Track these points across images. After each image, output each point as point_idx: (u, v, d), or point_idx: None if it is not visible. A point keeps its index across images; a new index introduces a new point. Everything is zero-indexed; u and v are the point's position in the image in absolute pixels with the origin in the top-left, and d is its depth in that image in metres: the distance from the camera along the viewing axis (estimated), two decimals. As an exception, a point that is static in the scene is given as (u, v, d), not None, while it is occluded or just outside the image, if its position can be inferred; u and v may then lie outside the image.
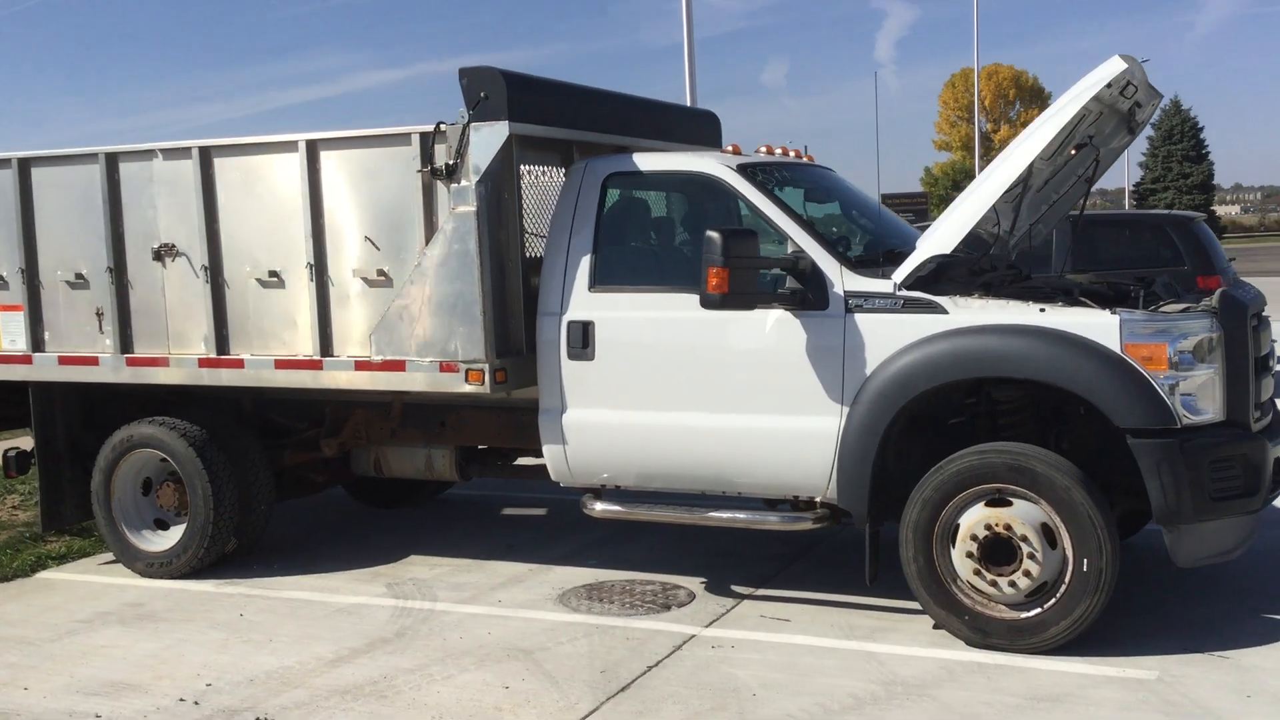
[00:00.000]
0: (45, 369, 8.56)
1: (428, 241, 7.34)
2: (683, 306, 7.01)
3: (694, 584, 7.78)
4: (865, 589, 7.00)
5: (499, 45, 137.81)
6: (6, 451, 9.31)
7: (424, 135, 7.31)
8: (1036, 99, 79.17)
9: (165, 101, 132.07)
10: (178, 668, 6.63)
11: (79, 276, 8.38)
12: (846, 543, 8.17)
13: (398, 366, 7.51)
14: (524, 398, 7.74)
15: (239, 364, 7.98)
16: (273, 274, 7.80)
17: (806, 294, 6.70)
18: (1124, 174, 64.21)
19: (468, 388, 7.36)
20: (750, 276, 6.57)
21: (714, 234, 6.50)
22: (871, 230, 7.80)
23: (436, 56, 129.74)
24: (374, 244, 7.53)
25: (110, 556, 8.86)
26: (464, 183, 7.20)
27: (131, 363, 8.29)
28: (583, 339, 7.25)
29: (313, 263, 7.66)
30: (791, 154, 8.24)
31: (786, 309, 6.76)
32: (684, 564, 8.21)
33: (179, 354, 8.15)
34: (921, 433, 6.82)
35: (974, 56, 60.42)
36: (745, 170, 7.20)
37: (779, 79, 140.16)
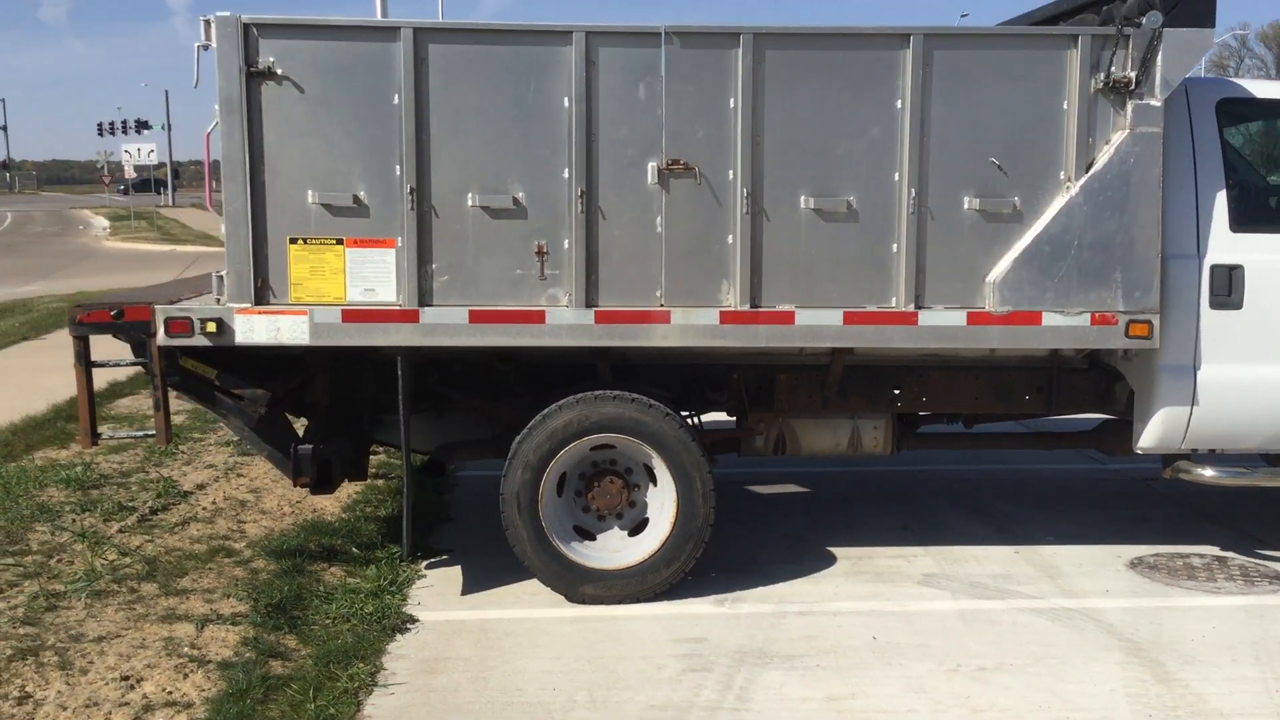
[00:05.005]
0: (444, 330, 6.09)
1: (1082, 167, 6.11)
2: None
3: (1215, 552, 7.21)
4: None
5: None
6: (298, 447, 6.51)
7: (1097, 39, 6.06)
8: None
9: None
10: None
11: (516, 202, 6.04)
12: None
13: (1029, 319, 6.21)
14: (1010, 352, 6.73)
15: (785, 318, 6.17)
16: (846, 203, 6.11)
17: None
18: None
19: (1124, 343, 6.26)
20: None
21: None
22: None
23: None
24: (1000, 169, 6.13)
25: (439, 580, 6.61)
26: (1148, 100, 6.07)
27: (604, 318, 6.13)
28: (1228, 285, 6.40)
29: (916, 191, 6.09)
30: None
31: None
32: (1137, 531, 7.65)
33: (686, 306, 6.15)
34: None
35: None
36: None
37: (60, 16, 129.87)
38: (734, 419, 7.26)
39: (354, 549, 7.04)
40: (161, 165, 73.08)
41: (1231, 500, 8.14)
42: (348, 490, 8.17)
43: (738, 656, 5.64)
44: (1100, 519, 7.84)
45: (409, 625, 6.03)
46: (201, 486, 8.29)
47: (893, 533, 7.57)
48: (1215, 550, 7.21)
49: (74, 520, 7.42)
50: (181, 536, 7.22)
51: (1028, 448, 7.67)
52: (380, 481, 8.43)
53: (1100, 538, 7.43)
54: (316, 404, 6.84)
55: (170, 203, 76.22)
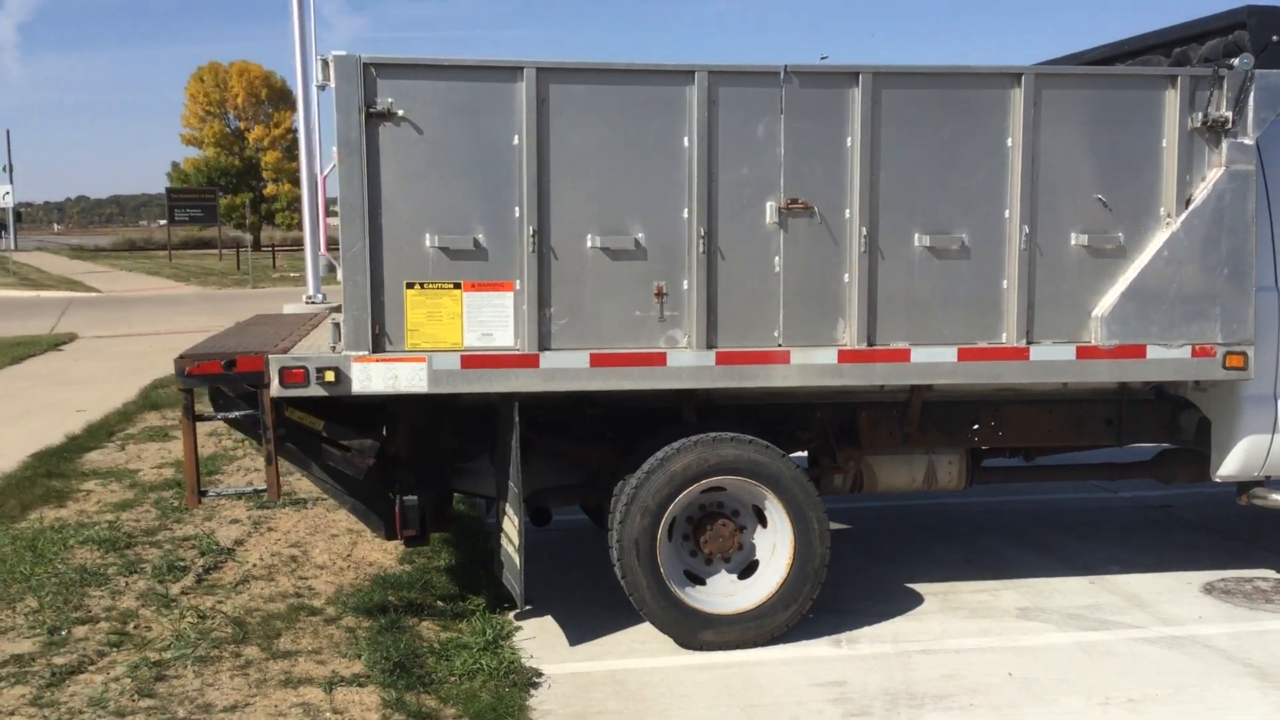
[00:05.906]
0: (564, 375, 5.96)
1: (1182, 203, 6.30)
2: None
3: (1274, 575, 7.45)
4: None
5: None
6: (404, 498, 6.31)
7: (1196, 79, 6.26)
8: (285, 100, 77.07)
9: None
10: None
11: (636, 244, 5.96)
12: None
13: (1135, 352, 6.35)
14: (1081, 386, 6.90)
15: (900, 356, 6.20)
16: (959, 240, 6.18)
17: None
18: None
19: (1222, 374, 6.44)
20: None
21: None
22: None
23: None
24: (1105, 205, 6.28)
25: (537, 631, 6.46)
26: (1241, 138, 6.29)
27: (725, 359, 6.07)
28: (1306, 317, 6.66)
29: (1028, 227, 6.19)
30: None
31: None
32: (1191, 557, 7.86)
33: (804, 346, 6.13)
34: None
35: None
36: None
37: None
38: (806, 457, 7.25)
39: (439, 602, 6.82)
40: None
41: (1249, 520, 8.38)
42: (396, 543, 7.88)
43: (889, 699, 5.60)
44: (1152, 546, 8.03)
45: (537, 680, 5.86)
46: (239, 543, 7.93)
47: (959, 566, 7.63)
48: (1273, 573, 7.44)
49: (126, 584, 7.03)
50: (250, 596, 6.90)
51: (1091, 479, 7.82)
52: (423, 531, 8.17)
53: (1161, 565, 7.60)
54: (400, 454, 6.62)
55: (14, 246, 73.20)
